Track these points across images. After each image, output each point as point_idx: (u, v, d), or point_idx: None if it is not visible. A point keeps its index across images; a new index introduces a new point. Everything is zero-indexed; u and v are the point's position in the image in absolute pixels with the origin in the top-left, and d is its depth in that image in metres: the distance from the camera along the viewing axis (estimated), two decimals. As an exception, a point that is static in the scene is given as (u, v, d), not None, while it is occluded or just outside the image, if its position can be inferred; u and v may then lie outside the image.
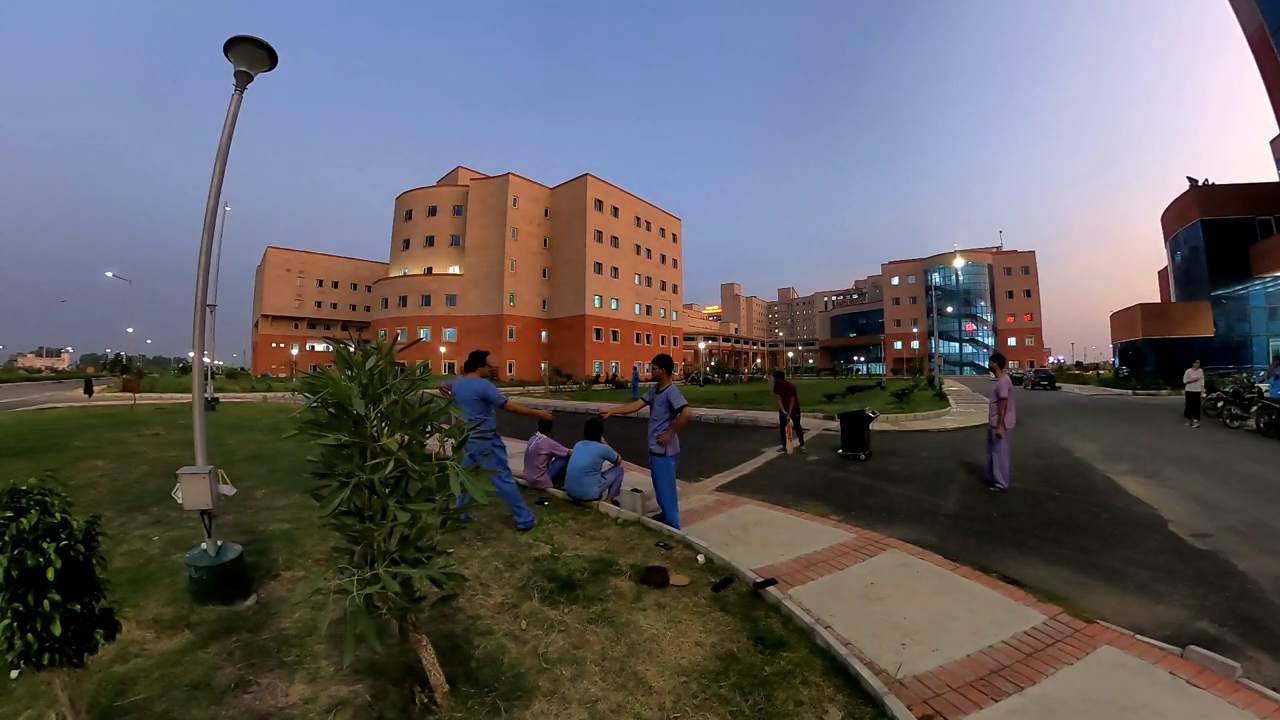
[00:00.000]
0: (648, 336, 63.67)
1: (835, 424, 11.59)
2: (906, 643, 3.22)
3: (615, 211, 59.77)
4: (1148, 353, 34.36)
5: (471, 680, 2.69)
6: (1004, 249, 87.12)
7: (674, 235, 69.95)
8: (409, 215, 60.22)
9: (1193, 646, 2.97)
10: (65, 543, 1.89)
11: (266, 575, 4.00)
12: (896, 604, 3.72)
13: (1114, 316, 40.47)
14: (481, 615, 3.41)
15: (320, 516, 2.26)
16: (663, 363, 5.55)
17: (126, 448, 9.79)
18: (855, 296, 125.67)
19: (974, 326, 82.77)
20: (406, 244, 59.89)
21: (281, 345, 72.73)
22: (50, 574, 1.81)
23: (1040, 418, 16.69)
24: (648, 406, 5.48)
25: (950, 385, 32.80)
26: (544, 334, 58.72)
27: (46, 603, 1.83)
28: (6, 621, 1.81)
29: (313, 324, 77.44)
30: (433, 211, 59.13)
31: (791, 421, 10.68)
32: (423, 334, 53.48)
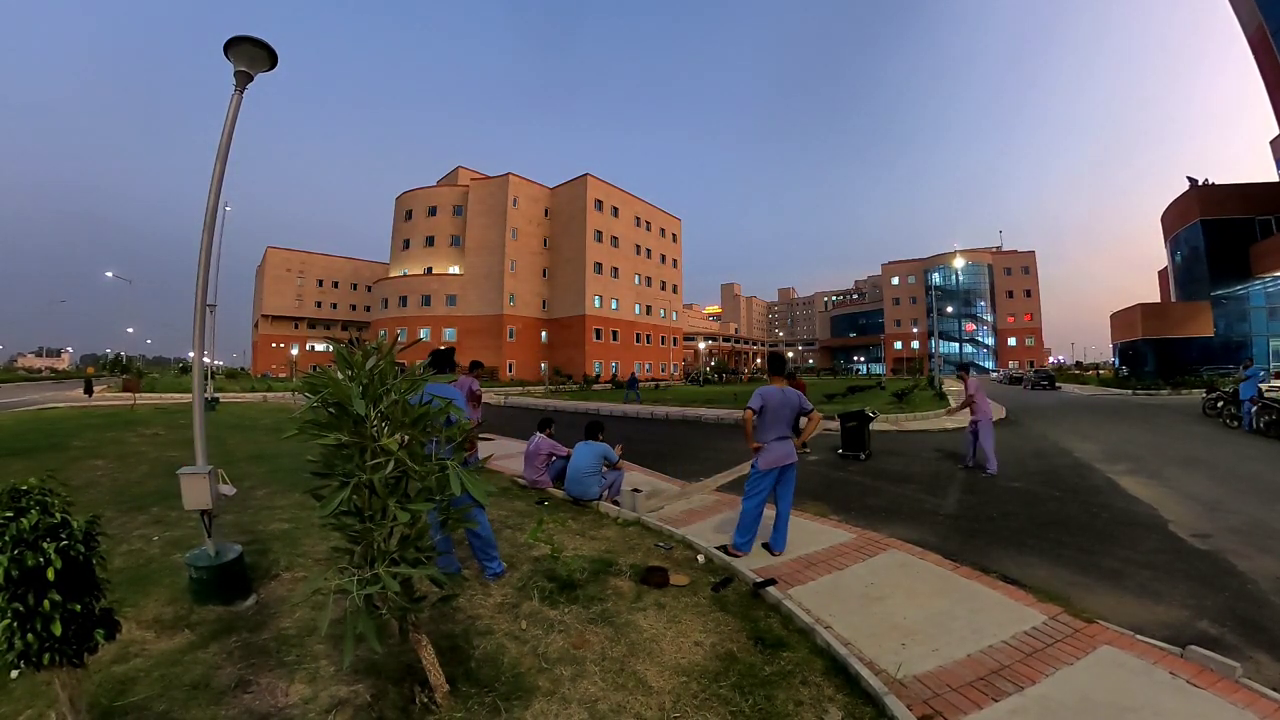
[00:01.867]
0: (648, 336, 63.64)
1: (835, 424, 11.59)
2: (906, 642, 3.22)
3: (615, 211, 59.75)
4: (1148, 353, 34.37)
5: (471, 680, 2.69)
6: (1004, 249, 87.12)
7: (674, 235, 69.92)
8: (409, 215, 60.19)
9: (1193, 646, 2.97)
10: (65, 543, 1.89)
11: (266, 575, 4.00)
12: (896, 604, 3.72)
13: (1114, 316, 40.48)
14: (481, 615, 3.41)
15: (320, 516, 2.26)
16: (775, 364, 4.84)
17: (126, 448, 9.79)
18: (855, 296, 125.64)
19: (974, 326, 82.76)
20: (406, 244, 59.85)
21: (281, 345, 72.73)
22: (50, 574, 1.81)
23: (1040, 418, 16.68)
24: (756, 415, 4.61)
25: (950, 385, 32.78)
26: (544, 334, 58.68)
27: (46, 603, 1.83)
28: (6, 621, 1.81)
29: (313, 324, 77.41)
30: (433, 211, 59.09)
31: None
32: (423, 334, 53.43)
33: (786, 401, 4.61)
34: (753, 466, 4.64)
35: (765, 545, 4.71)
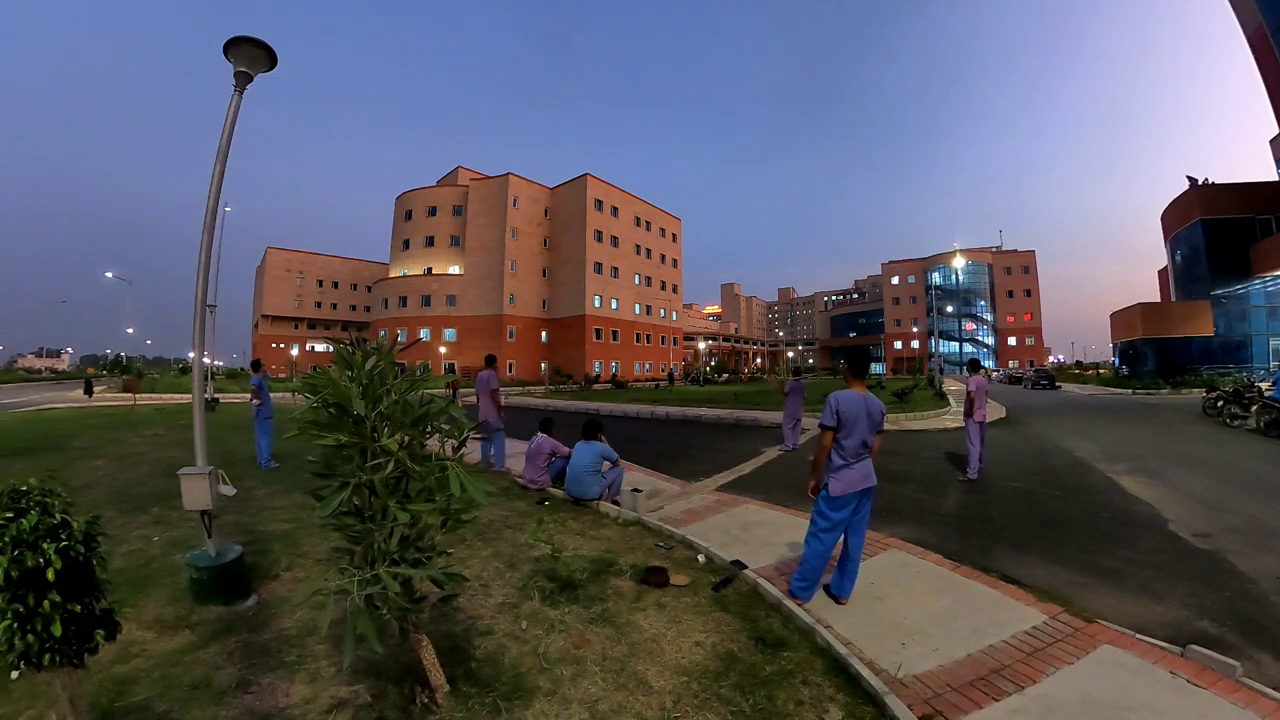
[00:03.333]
0: (648, 336, 63.64)
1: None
2: (906, 642, 3.22)
3: (615, 211, 59.74)
4: (1147, 352, 34.34)
5: (472, 680, 2.69)
6: (1004, 248, 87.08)
7: (674, 235, 69.91)
8: (409, 215, 60.18)
9: (1193, 646, 2.97)
10: (65, 543, 1.88)
11: (267, 575, 4.00)
12: (896, 604, 3.72)
13: (1114, 316, 40.44)
14: (482, 615, 3.41)
15: (320, 517, 2.26)
16: (857, 364, 3.93)
17: (126, 448, 9.79)
18: (855, 296, 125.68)
19: (974, 326, 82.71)
20: (406, 244, 59.84)
21: (281, 346, 72.67)
22: (50, 575, 1.81)
23: (1040, 417, 16.68)
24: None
25: (950, 385, 32.78)
26: (544, 334, 58.68)
27: (46, 603, 1.83)
28: (6, 622, 1.81)
29: (313, 324, 77.40)
30: (433, 212, 59.07)
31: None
32: (423, 334, 53.44)
33: (869, 412, 3.67)
34: (820, 496, 3.78)
35: (825, 588, 3.90)
